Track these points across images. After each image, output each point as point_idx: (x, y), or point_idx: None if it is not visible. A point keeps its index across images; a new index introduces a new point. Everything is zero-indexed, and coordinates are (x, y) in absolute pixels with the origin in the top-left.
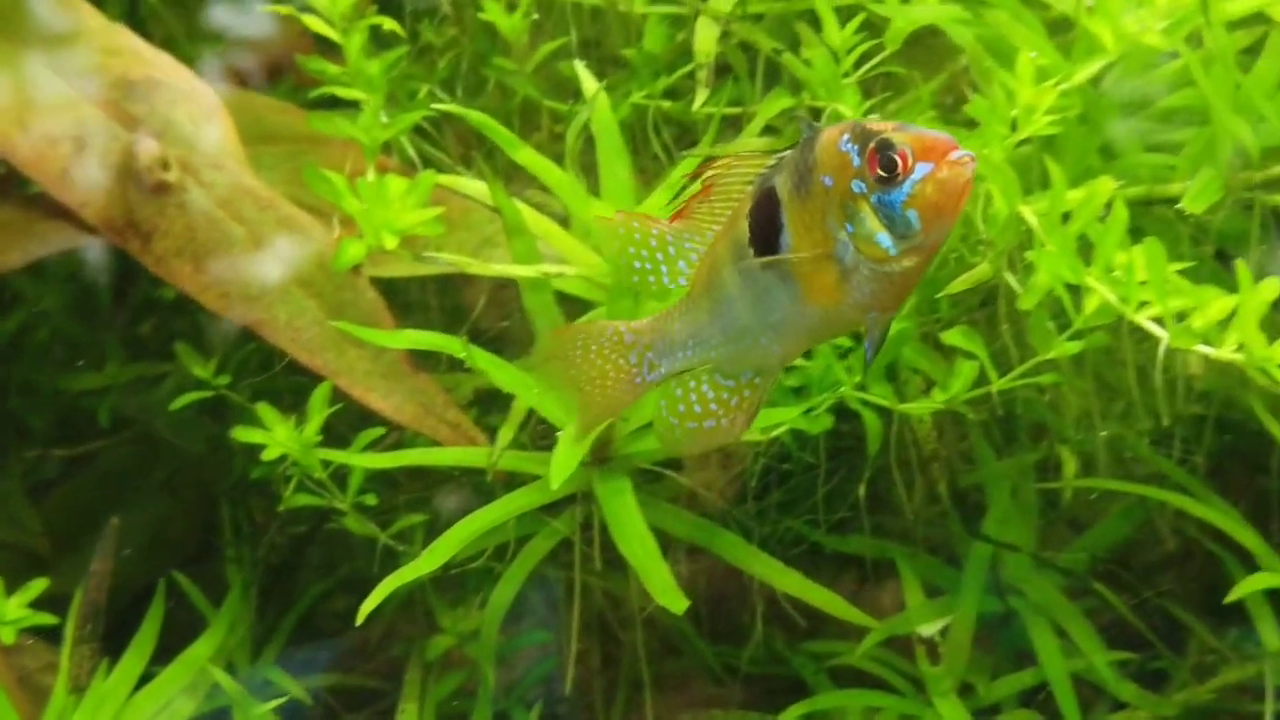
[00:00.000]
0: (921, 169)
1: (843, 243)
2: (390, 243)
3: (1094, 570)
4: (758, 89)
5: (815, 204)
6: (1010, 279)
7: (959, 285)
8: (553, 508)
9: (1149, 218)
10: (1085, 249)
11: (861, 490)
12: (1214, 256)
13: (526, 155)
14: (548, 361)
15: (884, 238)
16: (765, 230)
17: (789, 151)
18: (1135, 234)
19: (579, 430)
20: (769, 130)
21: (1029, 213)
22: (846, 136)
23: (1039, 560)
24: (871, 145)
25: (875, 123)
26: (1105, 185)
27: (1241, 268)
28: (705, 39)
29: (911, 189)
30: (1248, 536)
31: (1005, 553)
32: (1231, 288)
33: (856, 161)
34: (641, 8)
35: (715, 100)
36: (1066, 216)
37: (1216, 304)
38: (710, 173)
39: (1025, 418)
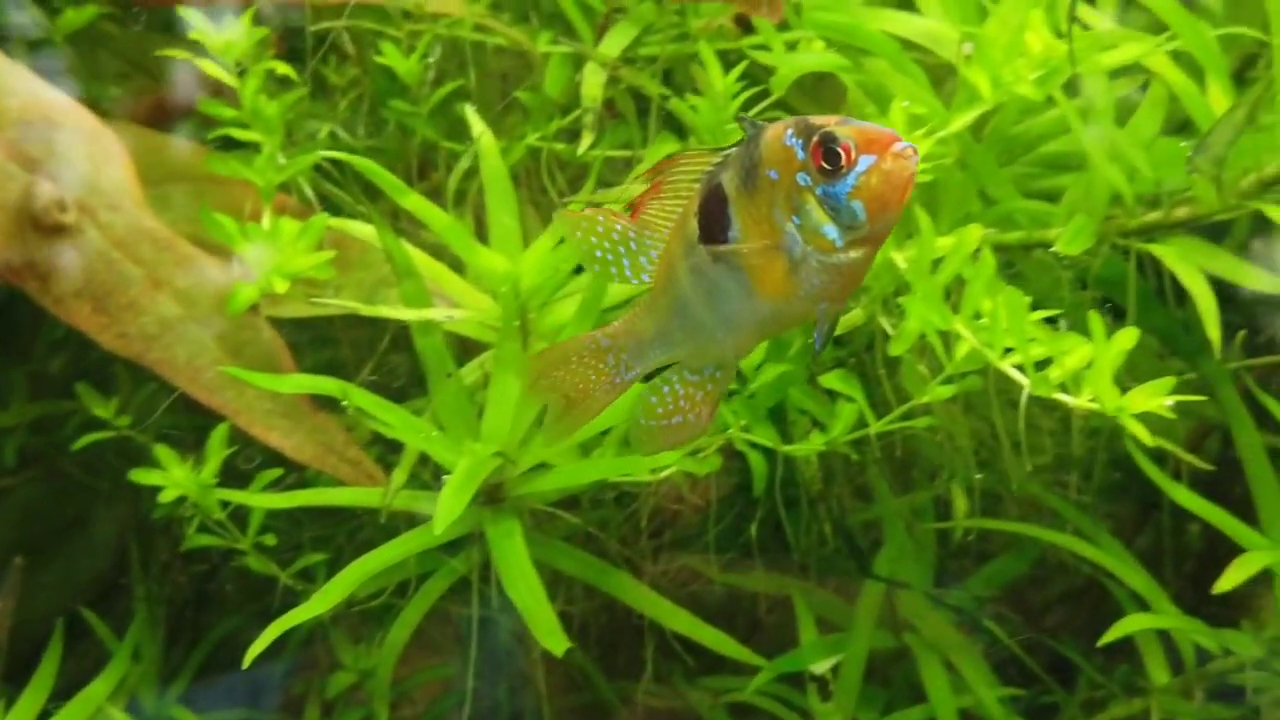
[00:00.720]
0: (865, 161)
1: (790, 235)
2: (281, 286)
3: (988, 606)
4: (649, 131)
5: (762, 199)
6: (885, 324)
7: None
8: (454, 545)
9: (1030, 262)
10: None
11: (754, 529)
12: (1094, 301)
13: (413, 201)
14: (535, 382)
15: (830, 229)
16: (714, 227)
17: (734, 149)
18: (1016, 279)
19: (562, 432)
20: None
21: (900, 259)
22: (790, 132)
23: (930, 597)
24: (815, 139)
25: (818, 118)
26: (974, 233)
27: (1095, 320)
28: (592, 84)
29: (856, 181)
30: (1134, 576)
31: (901, 588)
32: (1112, 331)
33: (801, 155)
34: (545, 46)
35: (604, 144)
36: (937, 263)
37: (1074, 354)
38: (659, 171)
39: (922, 456)
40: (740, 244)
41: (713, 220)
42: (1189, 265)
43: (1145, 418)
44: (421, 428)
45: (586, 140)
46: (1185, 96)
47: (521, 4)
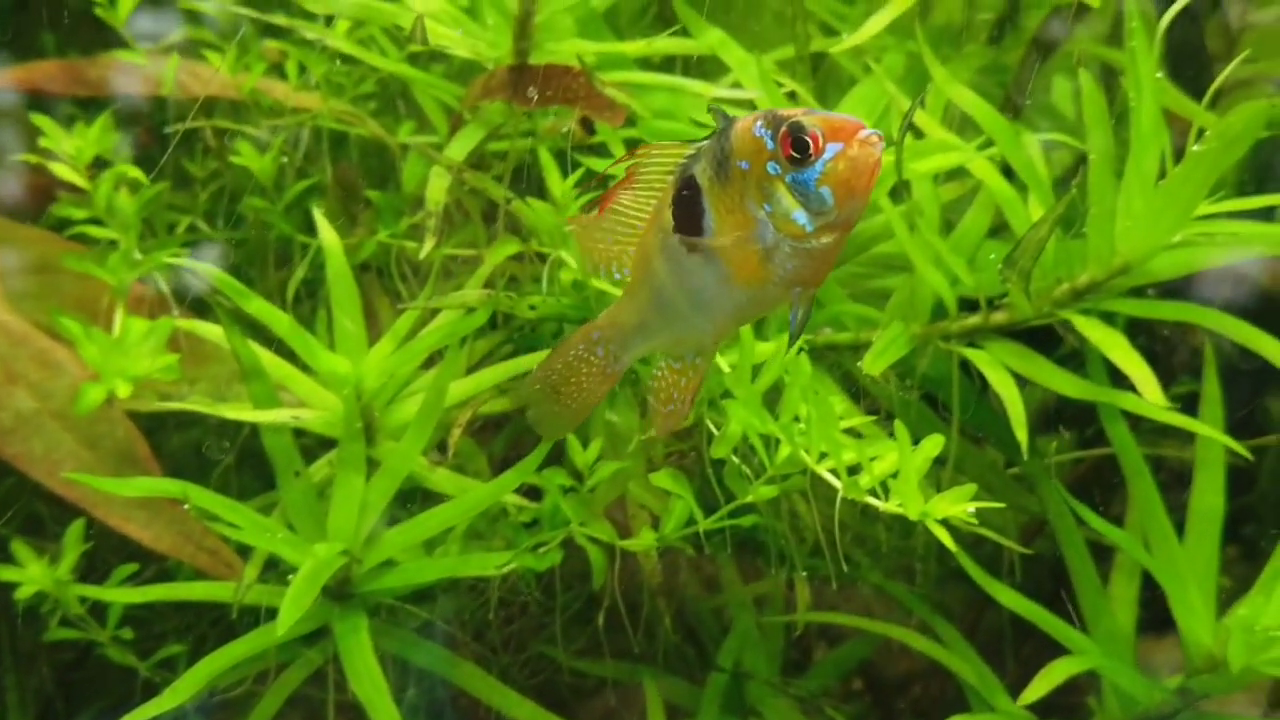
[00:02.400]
0: (832, 148)
1: (762, 223)
2: (123, 390)
3: (834, 689)
4: (497, 229)
5: (734, 188)
6: (711, 425)
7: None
8: (312, 634)
9: (856, 360)
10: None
11: (600, 618)
12: (921, 399)
13: (256, 306)
14: (538, 379)
15: (800, 215)
16: (689, 217)
17: (705, 141)
18: (846, 378)
19: (561, 428)
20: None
21: (723, 364)
22: (760, 123)
23: (775, 686)
24: (784, 129)
25: (786, 110)
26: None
27: (900, 429)
28: (436, 188)
29: (824, 168)
30: (967, 667)
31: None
32: (940, 428)
33: (770, 145)
34: (407, 136)
35: (450, 242)
36: (758, 369)
37: (883, 461)
38: (630, 162)
39: (768, 545)
40: (714, 233)
41: (687, 211)
42: (999, 370)
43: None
44: (270, 526)
45: (429, 243)
46: (1006, 204)
47: (389, 97)
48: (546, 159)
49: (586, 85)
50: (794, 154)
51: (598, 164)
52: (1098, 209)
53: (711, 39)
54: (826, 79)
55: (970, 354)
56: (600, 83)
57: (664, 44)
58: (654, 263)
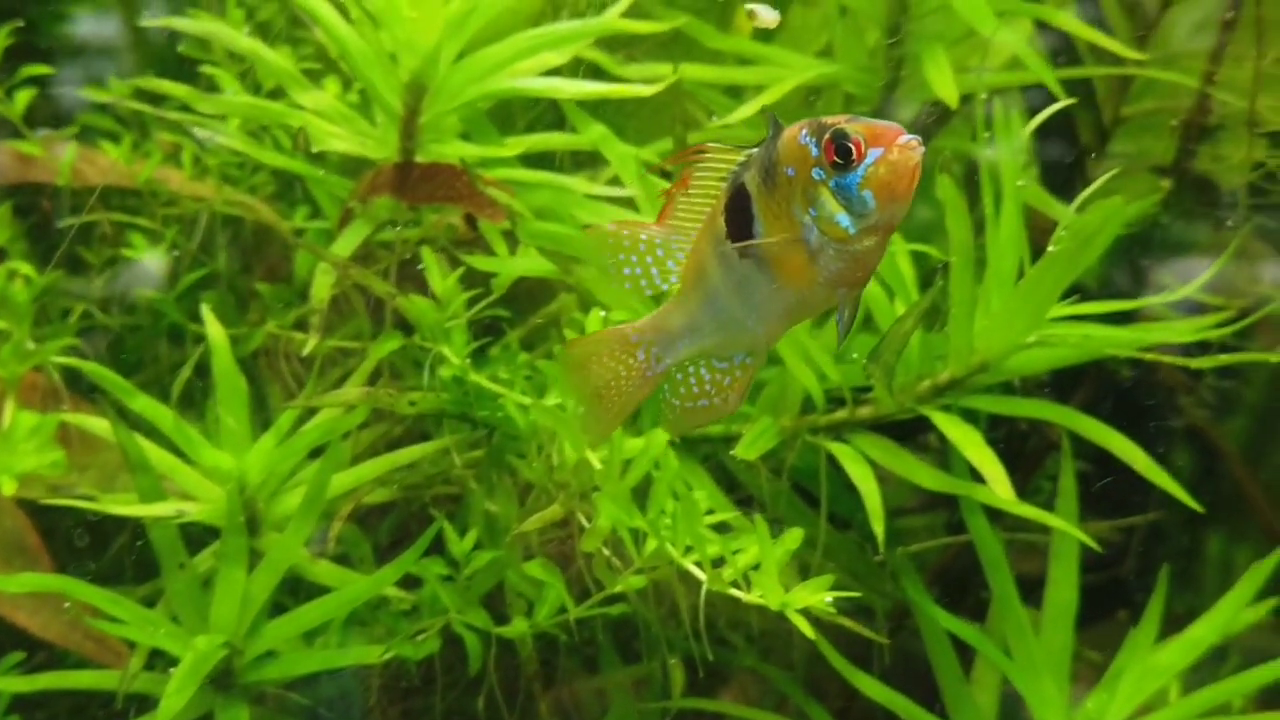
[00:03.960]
0: (873, 153)
1: (807, 227)
2: (8, 488)
3: None
4: (384, 323)
5: (781, 194)
6: (582, 518)
7: (532, 524)
8: None
9: (727, 449)
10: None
11: (480, 703)
12: (791, 489)
13: (141, 403)
14: (567, 373)
15: (843, 218)
16: (740, 223)
17: (756, 149)
18: (718, 471)
19: (602, 431)
20: None
21: (594, 460)
22: (805, 131)
23: None
24: (827, 136)
25: (830, 117)
26: (660, 436)
27: (760, 522)
28: (321, 285)
29: (865, 172)
30: None
31: None
32: (811, 517)
33: (815, 152)
34: (302, 220)
35: (337, 335)
36: (627, 464)
37: (745, 554)
38: (687, 168)
39: (646, 629)
40: (763, 238)
41: (738, 217)
42: (860, 464)
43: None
44: (153, 619)
45: (313, 340)
46: (872, 302)
47: (285, 182)
48: (429, 257)
49: (468, 184)
50: (837, 160)
51: (480, 261)
52: (958, 308)
53: (594, 134)
54: None
55: (834, 448)
56: (481, 181)
57: (546, 140)
58: (708, 268)
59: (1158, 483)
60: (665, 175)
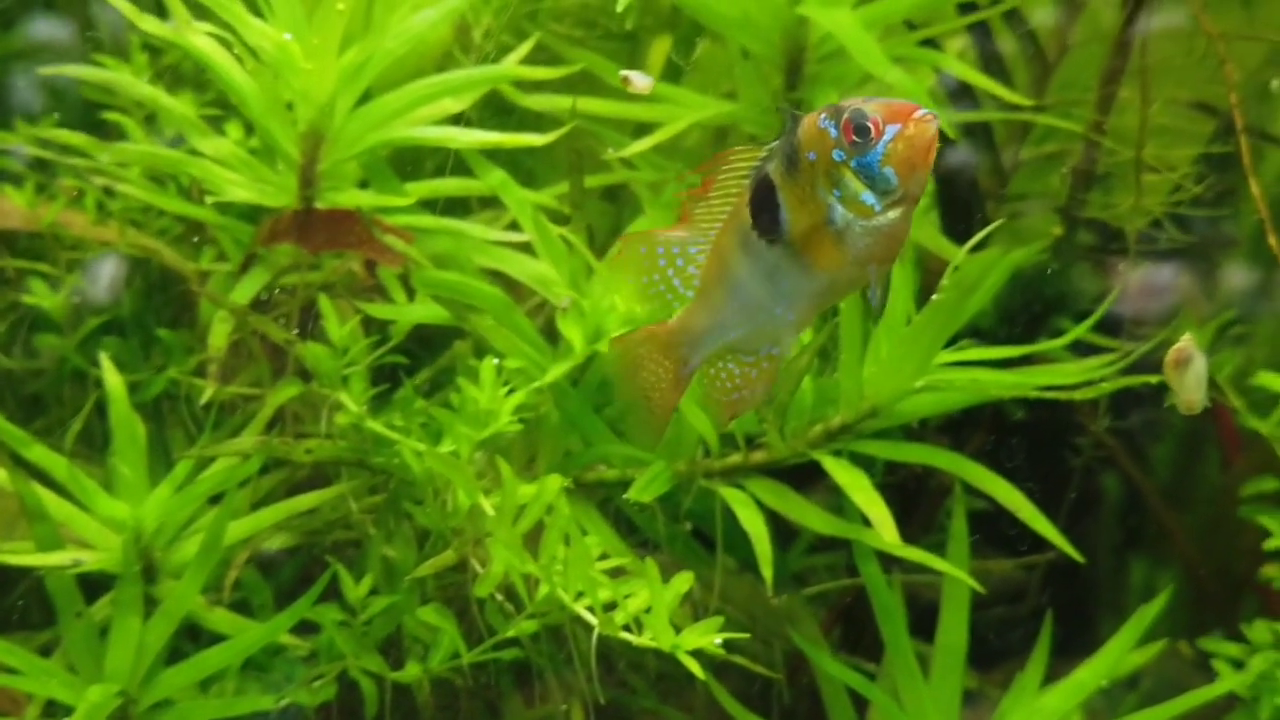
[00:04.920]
0: (891, 130)
1: (833, 208)
2: None
3: None
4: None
5: (804, 179)
6: (476, 564)
7: (425, 570)
8: None
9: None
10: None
11: None
12: (689, 534)
13: (37, 453)
14: (616, 377)
15: (868, 196)
16: (765, 213)
17: (776, 142)
18: (616, 515)
19: (654, 434)
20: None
21: (487, 506)
22: (824, 116)
23: None
24: (845, 117)
25: (848, 100)
26: (553, 482)
27: (651, 566)
28: (218, 334)
29: (885, 149)
30: None
31: None
32: (708, 563)
33: (834, 134)
34: (208, 262)
35: (238, 381)
36: (521, 510)
37: (636, 599)
38: (708, 172)
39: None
40: (789, 225)
41: (764, 207)
42: (750, 509)
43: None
44: (49, 668)
45: (210, 388)
46: None
47: (197, 225)
48: (326, 304)
49: (365, 231)
50: (856, 139)
51: (376, 309)
52: (848, 354)
53: (493, 179)
54: (623, 207)
55: (726, 493)
56: (379, 228)
57: (444, 186)
58: (732, 262)
59: (1038, 530)
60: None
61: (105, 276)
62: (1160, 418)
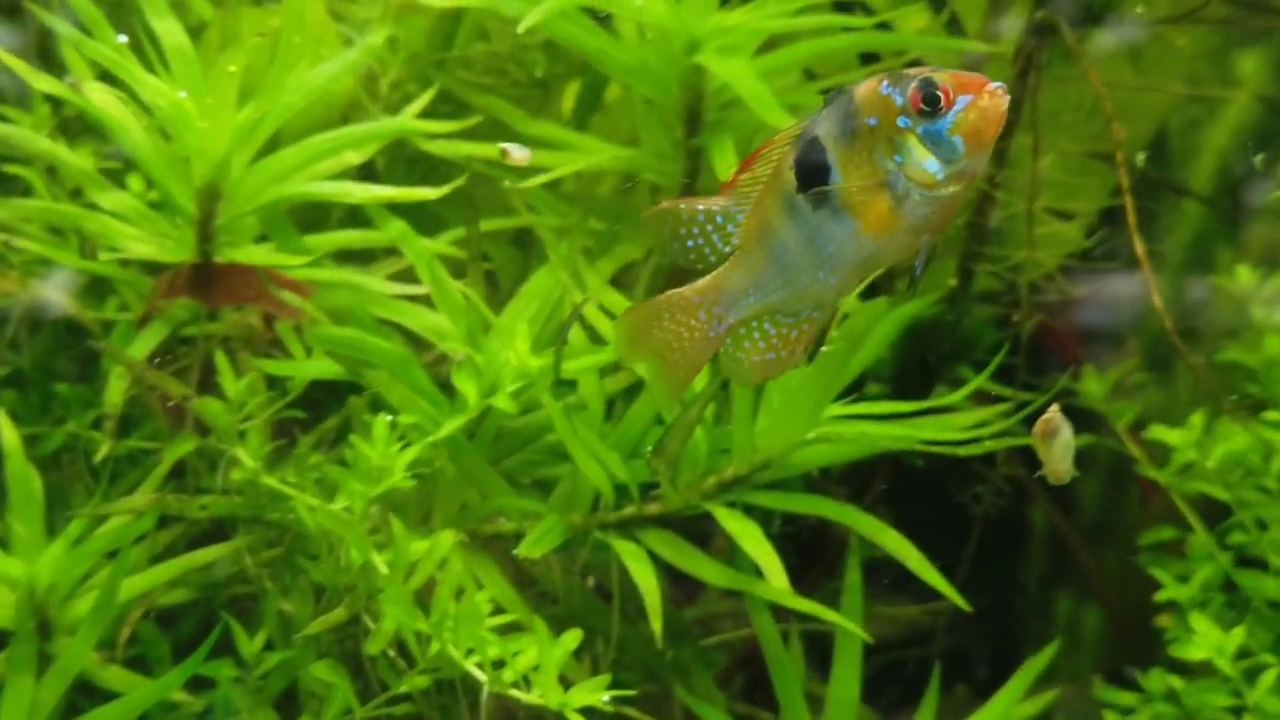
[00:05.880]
0: (962, 100)
1: (893, 173)
2: None
3: None
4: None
5: (862, 144)
6: (369, 621)
7: (316, 627)
8: None
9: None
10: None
11: None
12: (593, 590)
13: None
14: (627, 341)
15: (932, 164)
16: (813, 176)
17: (821, 111)
18: (516, 568)
19: (671, 393)
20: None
21: (380, 562)
22: (886, 84)
23: None
24: (913, 86)
25: (910, 70)
26: (445, 539)
27: (539, 625)
28: (115, 390)
29: (955, 118)
30: None
31: None
32: (604, 614)
33: (900, 101)
34: (113, 312)
35: (136, 435)
36: (413, 567)
37: (525, 656)
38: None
39: None
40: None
41: (812, 170)
42: (641, 563)
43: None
44: None
45: (105, 445)
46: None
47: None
48: (221, 359)
49: (262, 286)
50: (925, 107)
51: (270, 365)
52: (740, 406)
53: (393, 230)
54: (530, 252)
55: (618, 546)
56: (276, 283)
57: (343, 238)
58: (774, 224)
59: (927, 580)
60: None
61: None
62: (1088, 452)
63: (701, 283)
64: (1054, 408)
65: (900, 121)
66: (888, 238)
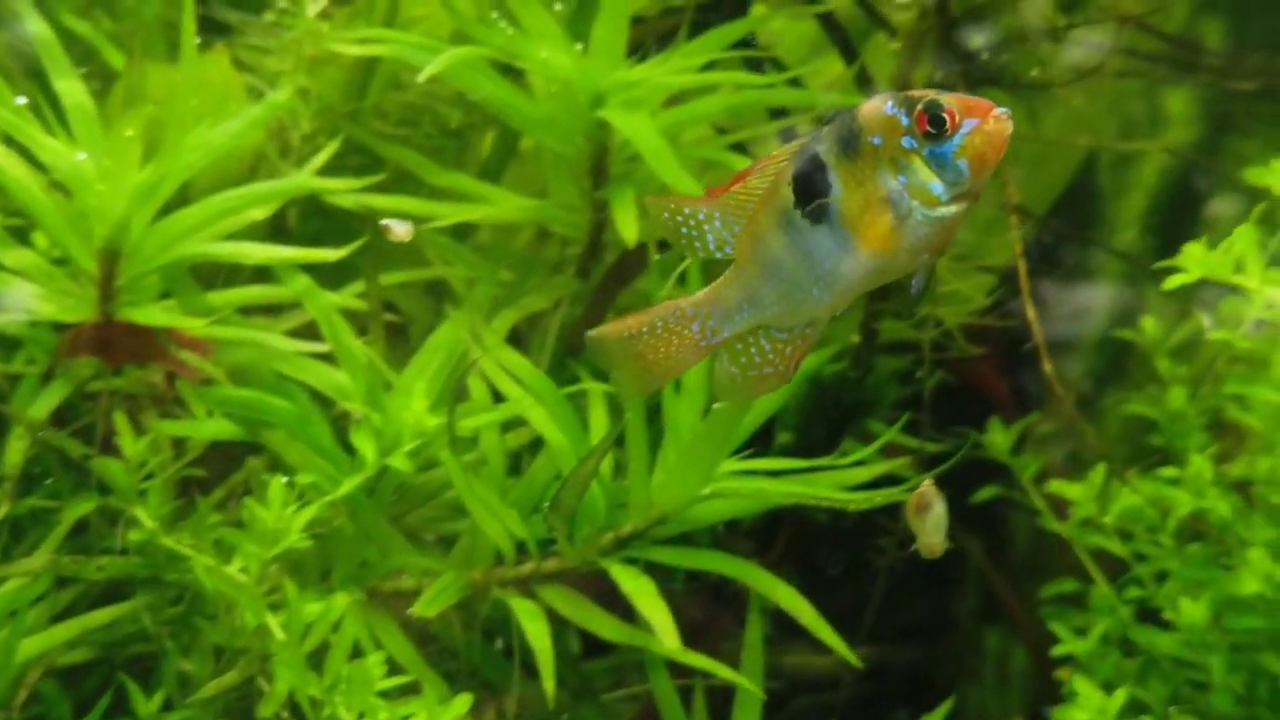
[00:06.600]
0: (969, 123)
1: (896, 192)
2: None
3: None
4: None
5: (865, 162)
6: (264, 684)
7: (209, 690)
8: None
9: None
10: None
11: None
12: (484, 644)
13: None
14: (617, 350)
15: (936, 185)
16: (813, 192)
17: (821, 129)
18: (411, 628)
19: (636, 394)
20: None
21: (274, 625)
22: (890, 104)
23: None
24: (919, 107)
25: (914, 92)
26: (340, 601)
27: (428, 686)
28: (14, 450)
29: (961, 140)
30: None
31: None
32: (507, 670)
33: (905, 122)
34: (21, 365)
35: (37, 494)
36: (308, 629)
37: (418, 718)
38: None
39: None
40: (843, 205)
41: (812, 187)
42: (535, 621)
43: None
44: None
45: (4, 506)
46: (559, 455)
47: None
48: (121, 419)
49: (161, 345)
50: (931, 129)
51: (167, 426)
52: (635, 463)
53: (298, 286)
54: (444, 301)
55: (514, 603)
56: (177, 341)
57: (245, 294)
58: (769, 239)
59: (818, 634)
60: None
61: None
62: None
63: (698, 295)
64: (927, 482)
65: (905, 142)
66: (888, 256)
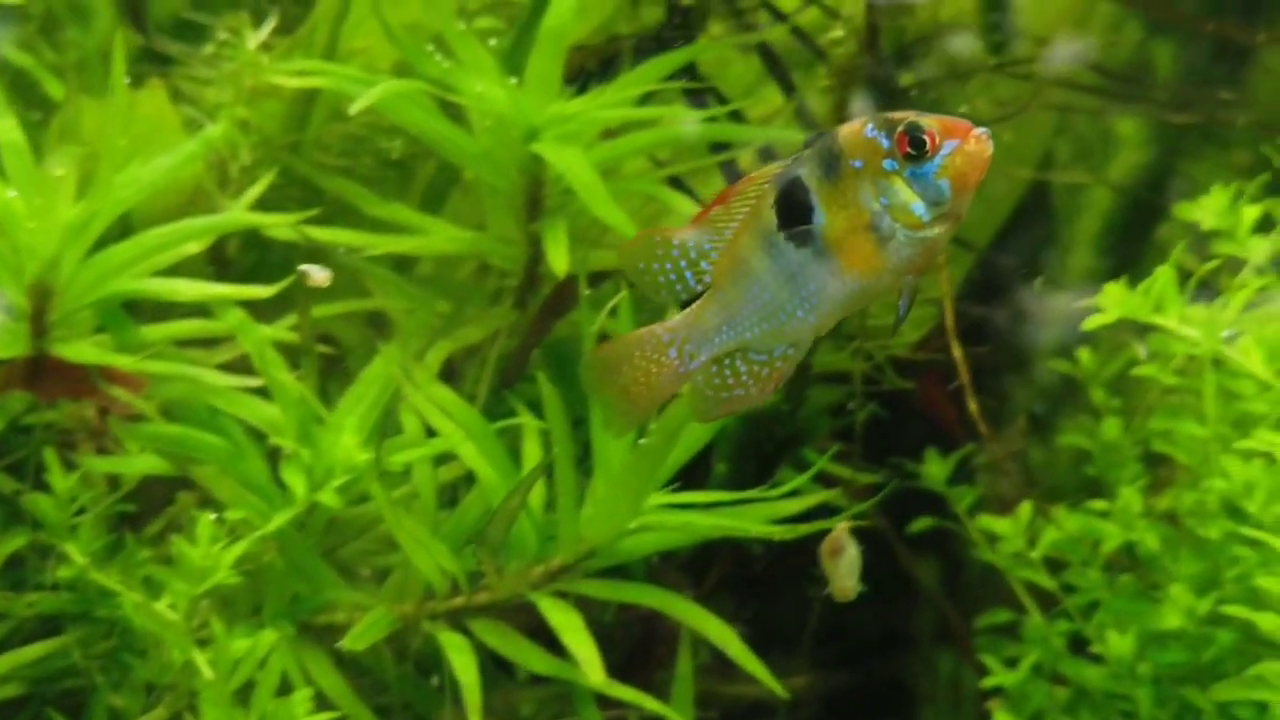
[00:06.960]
0: (949, 145)
1: (877, 214)
2: None
3: None
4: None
5: (846, 185)
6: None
7: None
8: None
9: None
10: None
11: None
12: (415, 676)
13: None
14: (593, 375)
15: (918, 206)
16: (796, 216)
17: (803, 152)
18: (343, 663)
19: (625, 425)
20: None
21: (202, 661)
22: (870, 126)
23: None
24: (900, 129)
25: (894, 114)
26: (267, 637)
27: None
28: None
29: (942, 161)
30: None
31: None
32: (438, 702)
33: (886, 144)
34: None
35: None
36: (235, 665)
37: None
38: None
39: None
40: (826, 228)
41: (794, 210)
42: (464, 655)
43: None
44: None
45: None
46: (490, 489)
47: None
48: (51, 457)
49: (93, 381)
50: (911, 151)
51: (96, 463)
52: (564, 497)
53: (232, 320)
54: (384, 332)
55: (443, 637)
56: (109, 377)
57: (180, 329)
58: (752, 261)
59: (750, 670)
60: None
61: None
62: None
63: (674, 320)
64: (841, 526)
65: (886, 164)
66: (871, 278)
